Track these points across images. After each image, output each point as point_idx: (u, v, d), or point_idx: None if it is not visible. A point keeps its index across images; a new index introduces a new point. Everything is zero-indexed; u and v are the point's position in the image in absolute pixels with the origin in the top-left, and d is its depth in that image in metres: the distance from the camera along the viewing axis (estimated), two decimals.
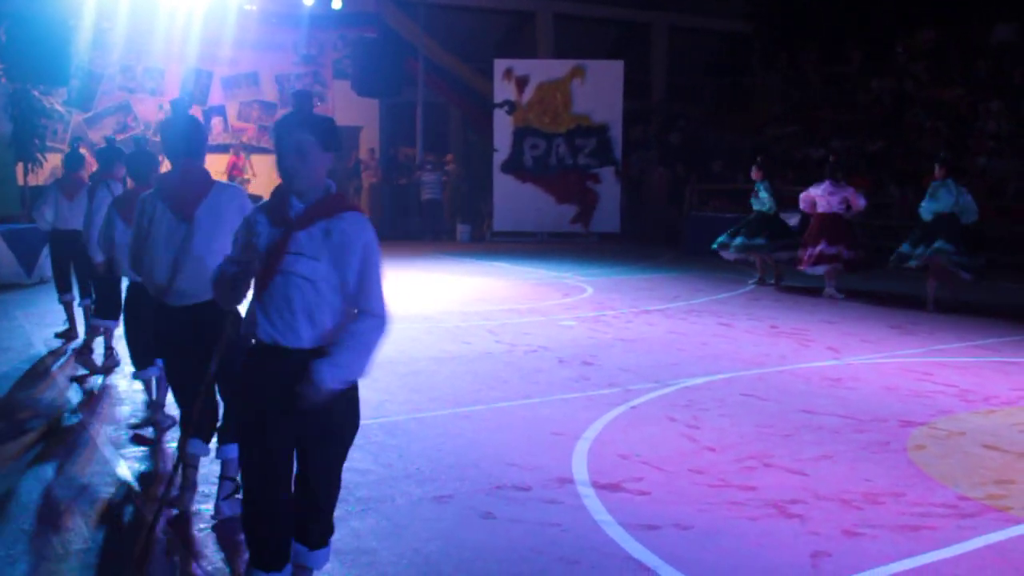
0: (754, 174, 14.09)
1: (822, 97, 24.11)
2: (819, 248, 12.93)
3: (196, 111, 22.71)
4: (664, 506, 5.02)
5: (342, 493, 5.13)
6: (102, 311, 8.14)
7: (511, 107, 21.55)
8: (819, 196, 13.11)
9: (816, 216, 13.20)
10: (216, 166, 22.23)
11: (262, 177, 22.68)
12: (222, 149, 22.26)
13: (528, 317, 11.08)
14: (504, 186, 21.34)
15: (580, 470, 5.57)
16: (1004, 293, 13.65)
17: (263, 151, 23.55)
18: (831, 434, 6.46)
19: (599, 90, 21.52)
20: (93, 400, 7.33)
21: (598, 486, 5.30)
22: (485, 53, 24.20)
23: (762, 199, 13.72)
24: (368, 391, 7.43)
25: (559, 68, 22.10)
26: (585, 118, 21.55)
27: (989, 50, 22.00)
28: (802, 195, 13.49)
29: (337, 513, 4.84)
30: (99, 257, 7.40)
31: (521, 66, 22.06)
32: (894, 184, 18.86)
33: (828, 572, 4.27)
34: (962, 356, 9.14)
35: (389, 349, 9.09)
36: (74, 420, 6.76)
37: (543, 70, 22.10)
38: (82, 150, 10.42)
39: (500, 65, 21.88)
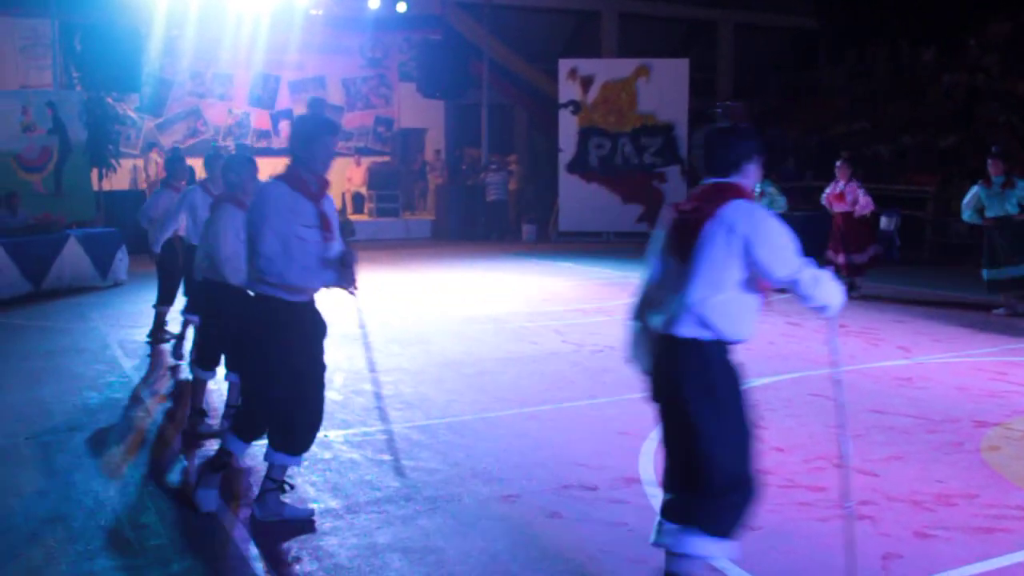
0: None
1: (890, 92, 23.75)
2: (840, 258, 12.73)
3: (263, 116, 23.05)
4: None
5: (410, 492, 5.21)
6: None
7: (576, 107, 21.53)
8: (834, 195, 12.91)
9: (834, 217, 12.95)
10: (282, 169, 22.53)
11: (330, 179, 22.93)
12: (285, 153, 22.53)
13: (595, 317, 11.08)
14: (569, 186, 21.33)
15: (647, 470, 5.57)
16: None
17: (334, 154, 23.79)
18: (902, 434, 6.38)
19: (664, 89, 21.41)
20: (166, 400, 7.49)
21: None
22: (550, 53, 24.21)
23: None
24: (435, 391, 7.53)
25: (624, 67, 22.02)
26: (650, 117, 21.45)
27: None
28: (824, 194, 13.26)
29: (405, 512, 4.93)
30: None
31: (586, 66, 22.03)
32: (967, 180, 18.50)
33: (899, 574, 4.23)
34: None
35: (456, 350, 9.18)
36: (148, 419, 6.91)
37: (608, 69, 22.04)
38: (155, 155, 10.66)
39: (565, 65, 21.87)
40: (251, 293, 4.81)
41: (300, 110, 23.45)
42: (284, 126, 23.34)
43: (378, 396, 6.53)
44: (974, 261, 15.81)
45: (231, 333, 5.78)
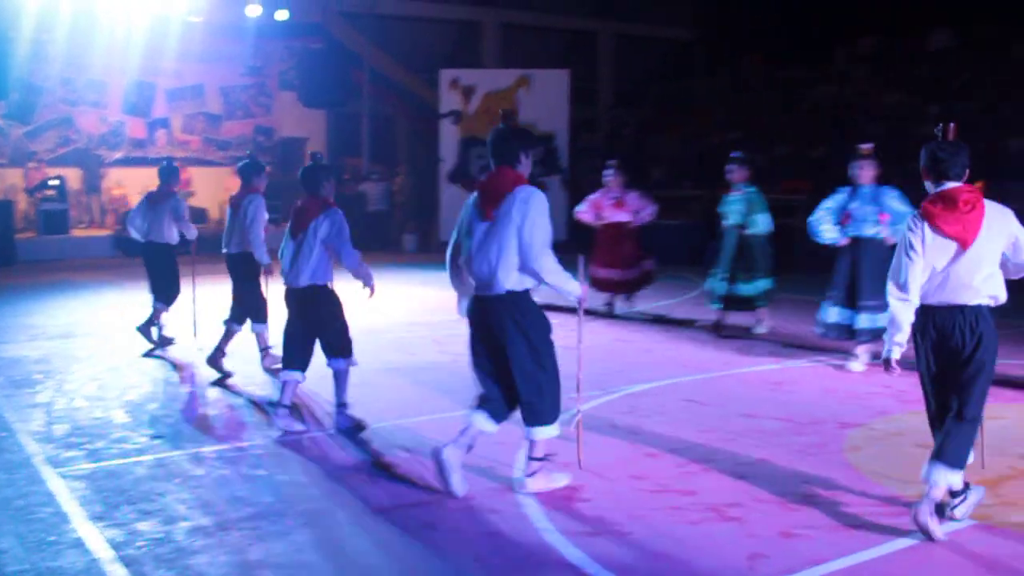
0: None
1: (764, 103, 24.40)
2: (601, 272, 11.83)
3: (139, 124, 22.53)
4: (604, 512, 5.07)
5: (284, 507, 5.15)
6: (244, 317, 8.82)
7: (457, 117, 21.59)
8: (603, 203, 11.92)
9: (602, 228, 11.95)
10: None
11: (206, 190, 22.53)
12: (160, 162, 22.11)
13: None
14: (451, 196, 21.35)
15: (522, 479, 5.60)
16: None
17: (208, 164, 23.41)
18: (771, 437, 6.56)
19: (545, 99, 21.61)
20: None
21: (539, 494, 5.34)
22: (432, 63, 24.22)
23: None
24: (313, 403, 7.45)
25: (505, 78, 22.18)
26: (531, 127, 21.58)
27: (927, 55, 22.42)
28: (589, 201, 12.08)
29: (278, 527, 4.87)
30: (267, 260, 8.04)
31: (467, 76, 22.12)
32: (838, 189, 19.11)
33: (764, 573, 4.34)
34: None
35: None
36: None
37: (489, 80, 22.16)
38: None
39: (446, 75, 21.92)
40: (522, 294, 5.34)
41: (177, 119, 23.02)
42: (161, 135, 22.88)
43: (251, 410, 6.44)
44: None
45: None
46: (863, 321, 8.47)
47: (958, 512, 4.94)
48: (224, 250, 8.89)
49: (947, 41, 22.27)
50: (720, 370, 8.66)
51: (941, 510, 4.79)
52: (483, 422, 5.44)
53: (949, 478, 4.75)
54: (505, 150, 5.45)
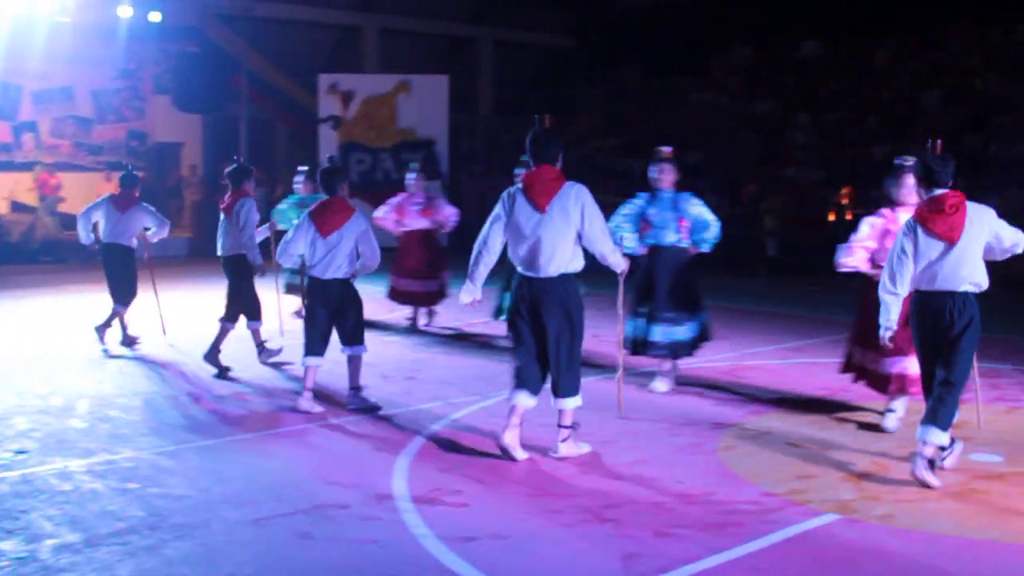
0: None
1: (642, 110, 24.81)
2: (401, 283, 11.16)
3: (4, 127, 21.74)
4: (482, 517, 5.09)
5: (155, 521, 5.03)
6: (238, 315, 9.12)
7: (336, 122, 21.40)
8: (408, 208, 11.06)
9: (406, 236, 11.10)
10: (24, 184, 21.33)
11: (76, 195, 21.84)
12: (28, 167, 21.42)
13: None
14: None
15: (400, 485, 5.59)
16: (812, 298, 14.31)
17: (79, 168, 22.72)
18: (647, 439, 6.67)
19: (424, 105, 21.59)
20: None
21: (417, 500, 5.34)
22: (311, 68, 23.93)
23: None
24: (184, 415, 7.30)
25: (384, 83, 22.08)
26: (411, 133, 21.59)
27: (797, 65, 23.11)
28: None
29: (150, 542, 4.76)
30: (288, 264, 7.96)
31: (346, 81, 21.94)
32: (712, 194, 19.54)
33: (638, 572, 4.42)
34: (771, 359, 9.56)
35: (207, 371, 8.92)
36: None
37: (368, 85, 22.04)
38: None
39: (325, 80, 21.71)
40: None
41: (45, 122, 22.27)
42: (28, 139, 22.10)
43: (122, 422, 6.28)
44: (723, 270, 16.72)
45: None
46: (657, 334, 7.96)
47: (947, 463, 5.86)
48: (219, 253, 9.21)
49: (816, 52, 23.00)
50: (597, 374, 8.76)
51: (932, 464, 5.64)
52: (525, 399, 6.17)
53: (940, 438, 5.59)
54: (546, 150, 6.26)
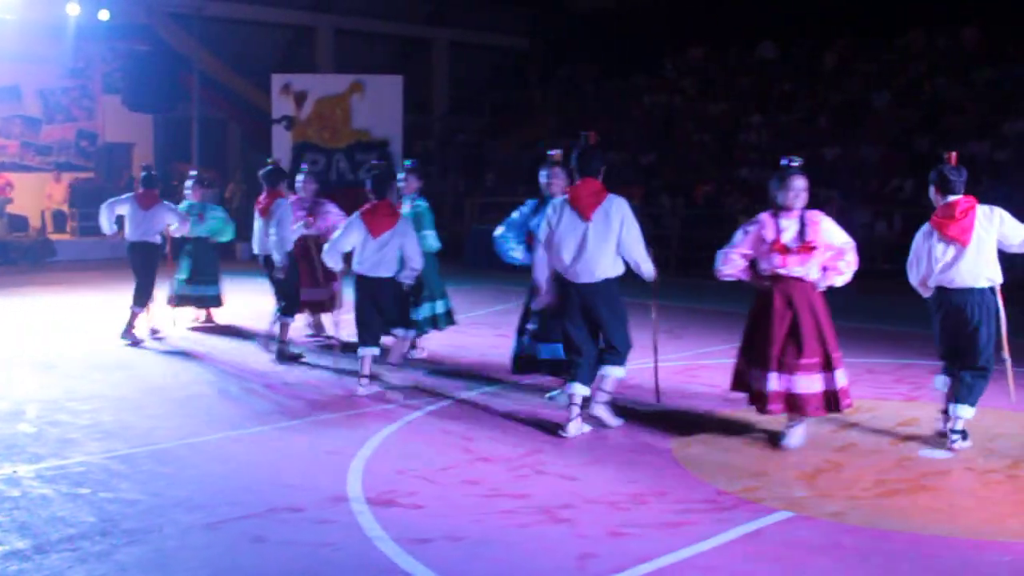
0: None
1: (597, 111, 24.89)
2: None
3: None
4: (437, 519, 5.08)
5: (107, 526, 4.97)
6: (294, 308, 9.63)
7: (290, 122, 21.26)
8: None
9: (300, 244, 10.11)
10: None
11: (25, 196, 21.54)
12: None
13: (304, 335, 10.94)
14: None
15: (354, 488, 5.57)
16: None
17: (28, 169, 22.42)
18: (601, 439, 6.70)
19: (379, 105, 21.50)
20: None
21: (372, 503, 5.31)
22: (264, 68, 23.75)
23: None
24: (137, 418, 7.24)
25: (338, 83, 21.97)
26: (365, 133, 21.49)
27: (751, 67, 23.30)
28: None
29: (101, 547, 4.70)
30: (340, 266, 8.24)
31: (299, 81, 21.82)
32: (666, 194, 19.67)
33: (593, 572, 4.43)
34: (725, 359, 9.59)
35: (161, 374, 8.85)
36: None
37: (322, 85, 21.92)
38: None
39: (278, 80, 21.56)
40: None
41: None
42: None
43: (72, 426, 6.19)
44: (676, 270, 16.85)
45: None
46: (545, 352, 7.50)
47: (956, 446, 6.35)
48: (256, 252, 9.73)
49: (770, 54, 23.19)
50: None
51: (943, 436, 6.44)
52: (581, 389, 6.76)
53: (969, 413, 6.33)
54: (590, 164, 6.85)
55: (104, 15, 20.72)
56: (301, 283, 9.92)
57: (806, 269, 6.30)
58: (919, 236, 6.48)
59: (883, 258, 15.83)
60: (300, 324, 10.56)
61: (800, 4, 22.01)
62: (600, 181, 6.81)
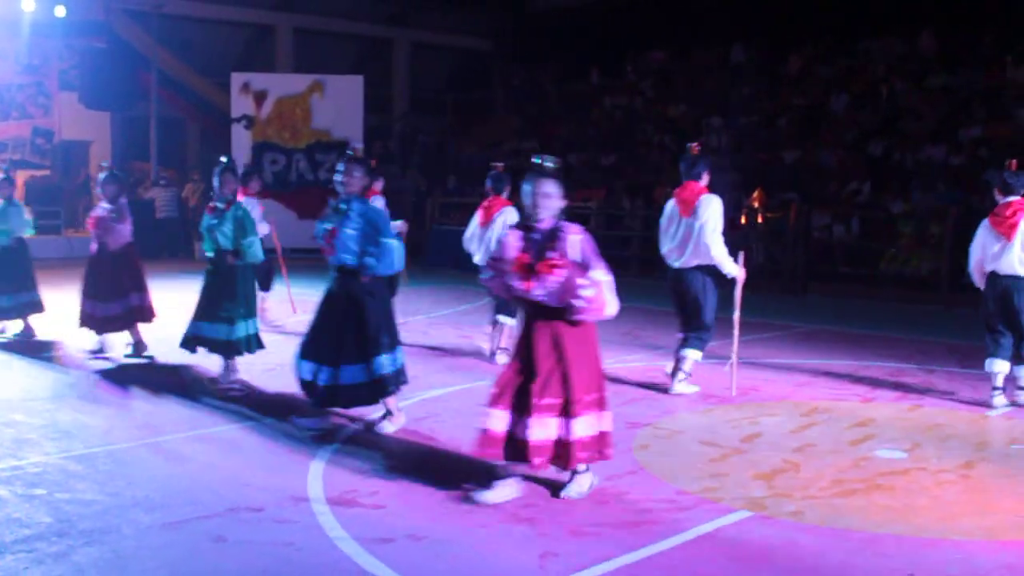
0: None
1: (557, 112, 24.97)
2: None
3: None
4: (399, 518, 5.08)
5: (63, 527, 4.92)
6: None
7: (249, 122, 21.13)
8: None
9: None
10: None
11: None
12: None
13: (268, 335, 10.88)
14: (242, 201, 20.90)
15: (315, 487, 5.55)
16: (724, 299, 14.51)
17: None
18: None
19: (339, 105, 21.42)
20: None
21: (333, 502, 5.30)
22: (223, 67, 23.60)
23: None
24: (94, 419, 7.15)
25: (298, 83, 21.87)
26: (325, 133, 21.39)
27: (711, 69, 23.45)
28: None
29: (58, 548, 4.66)
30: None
31: (259, 80, 21.69)
32: (626, 195, 19.76)
33: (554, 571, 4.45)
34: None
35: (119, 375, 8.75)
36: None
37: (281, 84, 21.81)
38: None
39: (237, 79, 21.42)
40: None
41: None
42: None
43: (30, 426, 6.12)
44: (637, 271, 16.94)
45: None
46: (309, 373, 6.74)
47: (995, 401, 7.78)
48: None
49: (730, 57, 23.35)
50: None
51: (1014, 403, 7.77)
52: (694, 353, 8.14)
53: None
54: (693, 169, 8.08)
55: (60, 11, 20.51)
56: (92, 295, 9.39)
57: (550, 294, 5.20)
58: (980, 229, 7.84)
59: (842, 261, 16.02)
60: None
61: (762, 8, 22.17)
62: (702, 184, 8.04)
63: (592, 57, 25.17)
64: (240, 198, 8.74)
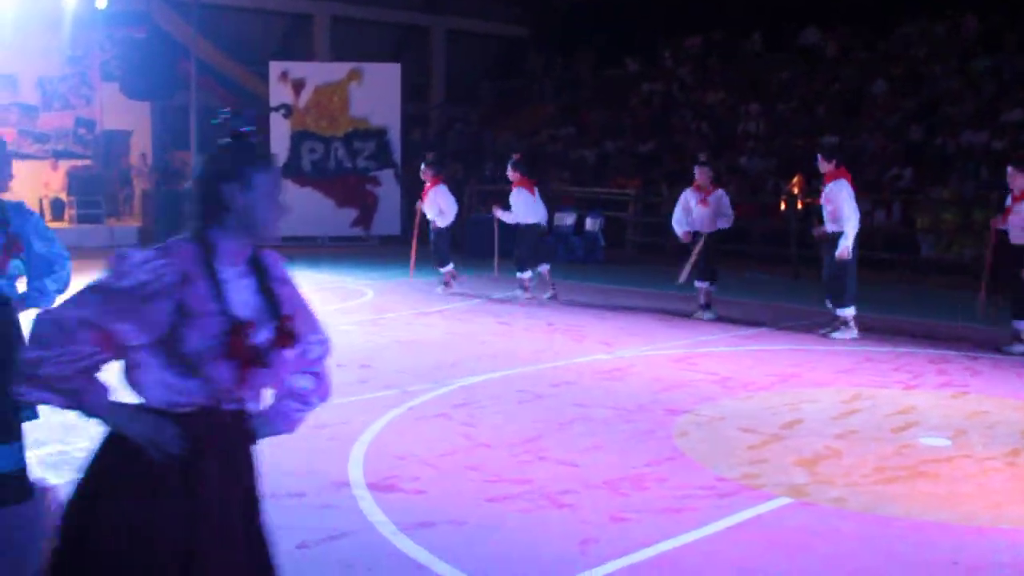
0: None
1: (594, 100, 24.89)
2: None
3: None
4: (439, 504, 5.10)
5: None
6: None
7: (288, 110, 21.23)
8: None
9: None
10: None
11: (23, 184, 21.50)
12: None
13: None
14: (283, 191, 21.00)
15: (356, 473, 5.58)
16: (762, 284, 14.47)
17: (25, 157, 22.37)
18: (602, 425, 6.71)
19: (377, 93, 21.47)
20: None
21: (374, 488, 5.33)
22: (261, 55, 23.72)
23: None
24: None
25: (336, 71, 21.94)
26: (363, 121, 21.46)
27: (747, 56, 23.29)
28: None
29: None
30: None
31: (297, 68, 21.78)
32: (664, 183, 19.66)
33: (595, 557, 4.45)
34: (724, 346, 9.64)
35: None
36: None
37: (320, 73, 21.89)
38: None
39: (275, 68, 21.53)
40: None
41: None
42: None
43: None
44: (672, 261, 16.85)
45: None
46: None
47: None
48: None
49: (767, 42, 23.18)
50: (552, 361, 8.80)
51: None
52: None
53: None
54: (831, 158, 10.03)
55: (102, 3, 20.70)
56: None
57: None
58: None
59: (882, 246, 15.86)
60: None
61: None
62: (837, 168, 9.95)
63: (629, 44, 25.06)
64: None
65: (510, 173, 12.63)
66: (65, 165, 22.47)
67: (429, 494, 5.27)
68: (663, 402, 7.33)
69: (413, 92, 24.86)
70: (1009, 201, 9.43)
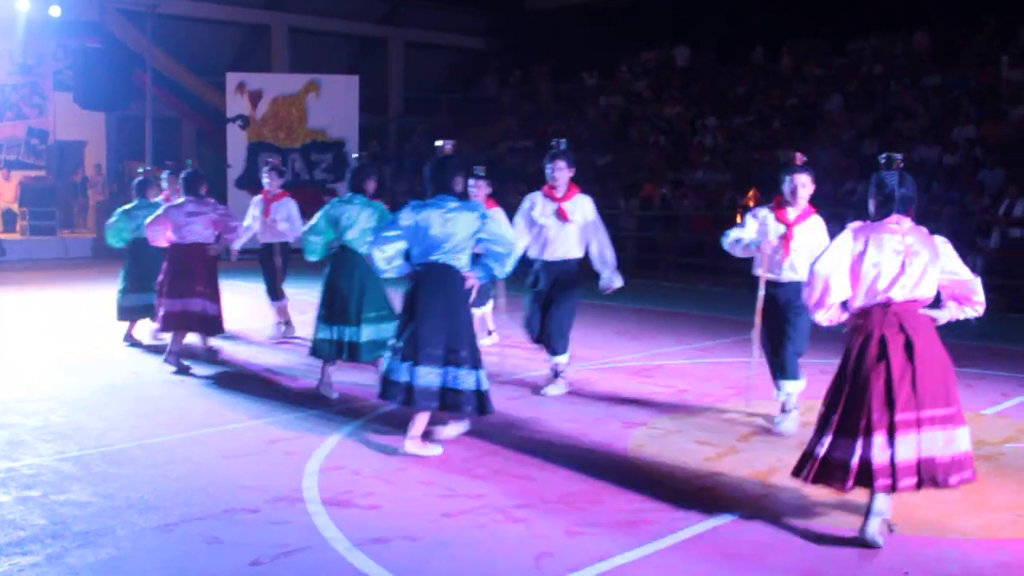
0: None
1: (553, 112, 24.97)
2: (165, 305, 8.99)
3: None
4: (394, 519, 5.07)
5: (58, 529, 4.92)
6: None
7: (245, 122, 21.13)
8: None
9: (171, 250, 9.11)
10: None
11: None
12: None
13: (265, 335, 10.88)
14: (240, 202, 20.83)
15: (311, 488, 5.54)
16: (719, 298, 14.56)
17: None
18: (558, 439, 6.71)
19: (334, 105, 21.43)
20: None
21: (328, 503, 5.29)
22: (219, 66, 23.62)
23: None
24: (91, 419, 7.16)
25: (293, 83, 21.88)
26: (320, 133, 21.41)
27: (705, 69, 23.47)
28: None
29: (52, 550, 4.66)
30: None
31: (254, 80, 21.69)
32: (621, 195, 19.76)
33: (550, 571, 4.45)
34: (680, 359, 9.69)
35: (118, 373, 8.75)
36: None
37: (277, 84, 21.81)
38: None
39: (232, 79, 21.42)
40: None
41: None
42: None
43: (24, 428, 6.10)
44: (632, 271, 16.84)
45: None
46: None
47: None
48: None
49: (724, 56, 23.38)
50: (508, 374, 8.80)
51: None
52: (794, 386, 7.10)
53: None
54: None
55: (55, 11, 20.49)
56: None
57: None
58: None
59: None
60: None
61: (756, 8, 22.19)
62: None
63: (587, 57, 25.17)
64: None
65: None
66: (17, 176, 22.19)
67: (383, 509, 5.24)
68: (619, 415, 7.35)
69: (370, 104, 24.80)
70: None
